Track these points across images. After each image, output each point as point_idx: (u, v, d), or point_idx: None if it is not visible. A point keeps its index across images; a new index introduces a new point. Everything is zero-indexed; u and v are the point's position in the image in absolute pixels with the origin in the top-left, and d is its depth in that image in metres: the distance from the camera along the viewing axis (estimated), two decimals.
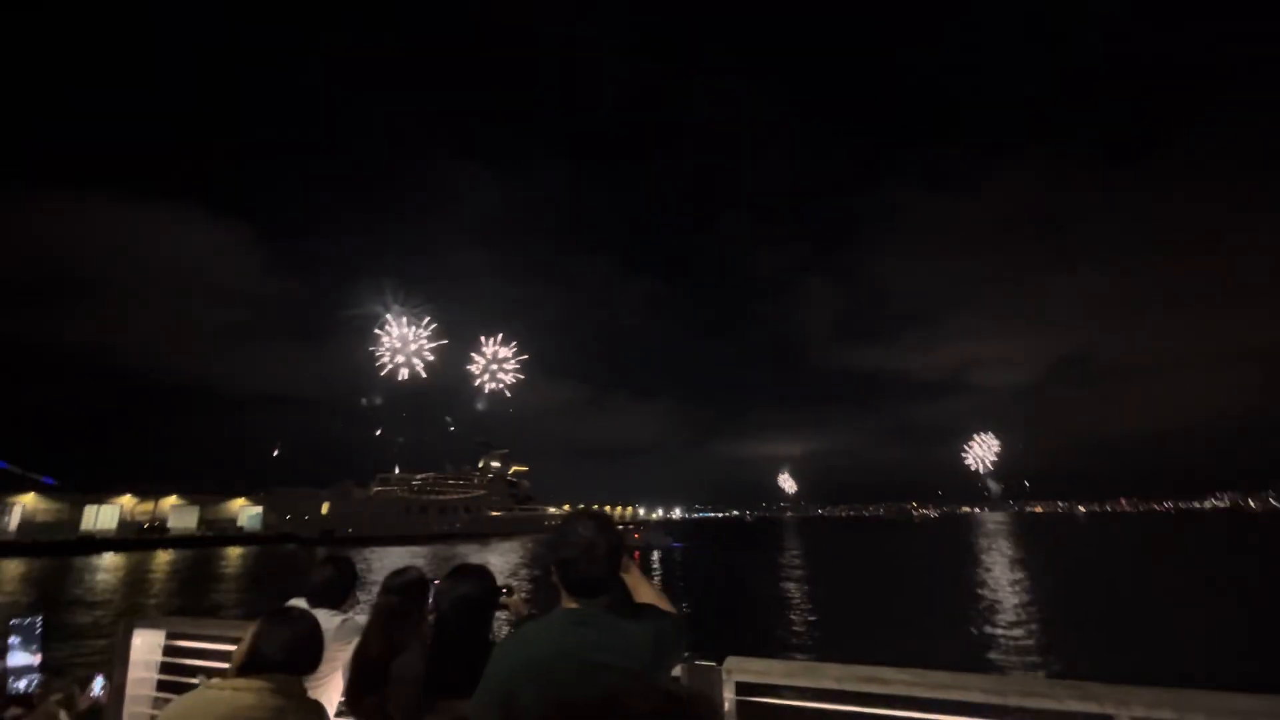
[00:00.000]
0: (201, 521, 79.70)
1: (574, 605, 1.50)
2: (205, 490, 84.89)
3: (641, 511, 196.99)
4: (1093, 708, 1.74)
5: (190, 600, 25.70)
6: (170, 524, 75.14)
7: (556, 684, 1.32)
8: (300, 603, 2.51)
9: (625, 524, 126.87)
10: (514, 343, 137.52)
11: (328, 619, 2.40)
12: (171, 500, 79.42)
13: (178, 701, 1.79)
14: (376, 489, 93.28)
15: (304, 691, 1.87)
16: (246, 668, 1.82)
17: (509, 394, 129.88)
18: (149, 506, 76.95)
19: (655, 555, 49.61)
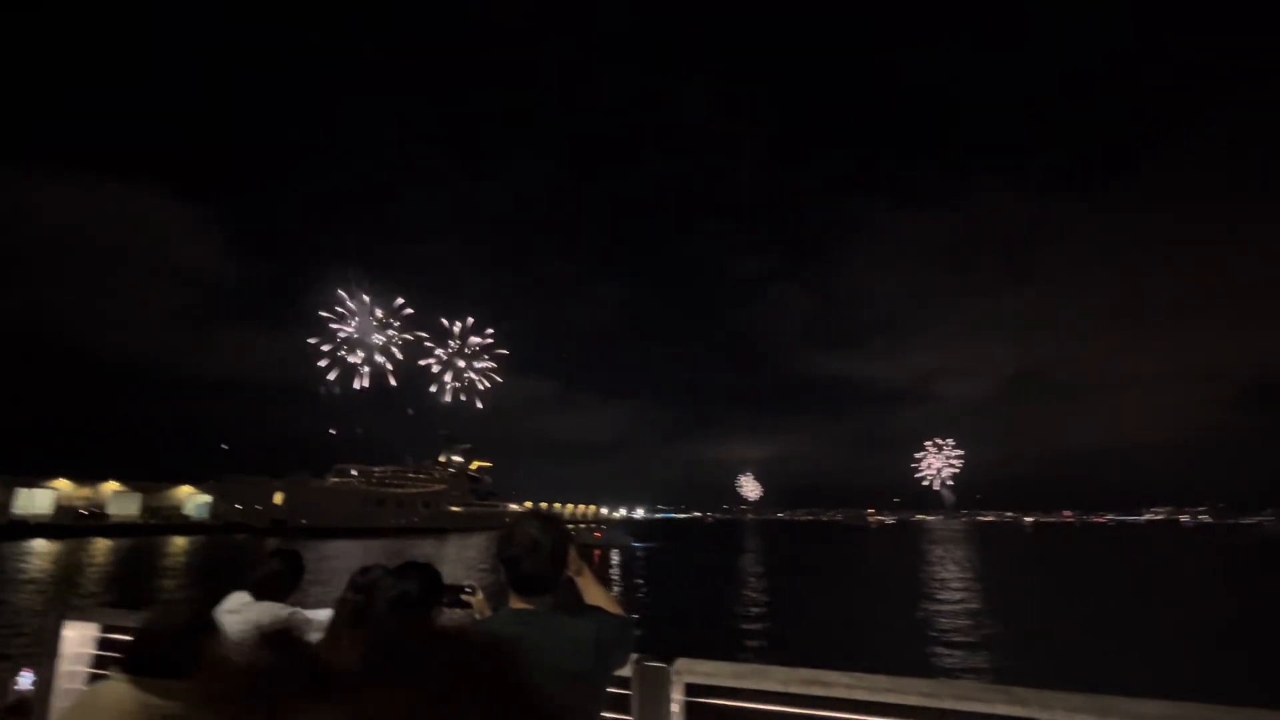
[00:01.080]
0: (145, 509, 76.46)
1: (520, 605, 1.51)
2: (150, 476, 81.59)
3: (604, 510, 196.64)
4: (1019, 711, 1.84)
5: (128, 591, 24.64)
6: (111, 511, 71.87)
7: None
8: (244, 595, 2.45)
9: (587, 523, 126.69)
10: (489, 330, 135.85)
11: (273, 612, 2.36)
12: (112, 486, 75.97)
13: (84, 691, 1.71)
14: (333, 480, 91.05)
15: (181, 693, 1.63)
16: (124, 664, 1.69)
17: (480, 404, 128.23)
18: (87, 492, 73.46)
19: (615, 555, 49.65)
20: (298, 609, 2.46)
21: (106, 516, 68.67)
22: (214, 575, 30.28)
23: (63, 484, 71.01)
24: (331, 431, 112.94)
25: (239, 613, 2.36)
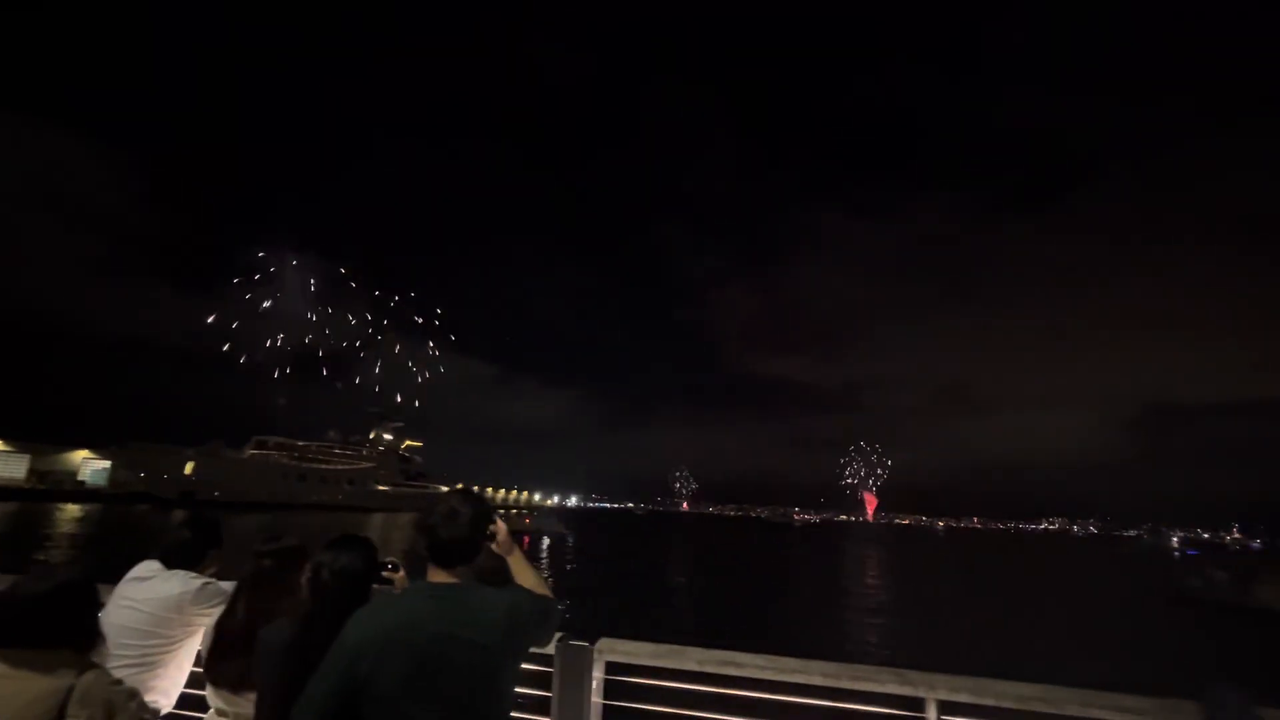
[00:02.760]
0: (32, 472, 70.17)
1: (439, 577, 1.53)
2: (43, 437, 74.95)
3: (537, 497, 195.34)
4: (908, 690, 2.08)
5: (4, 563, 22.65)
6: None
7: (402, 654, 1.36)
8: (154, 563, 2.36)
9: (519, 509, 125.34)
10: (437, 310, 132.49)
11: (185, 580, 2.27)
12: None
13: None
14: (252, 452, 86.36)
15: (54, 664, 1.59)
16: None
17: (419, 381, 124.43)
18: None
19: (545, 541, 49.56)
20: (211, 579, 2.38)
21: None
22: (104, 546, 28.20)
23: None
24: (281, 401, 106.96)
25: (148, 580, 2.26)
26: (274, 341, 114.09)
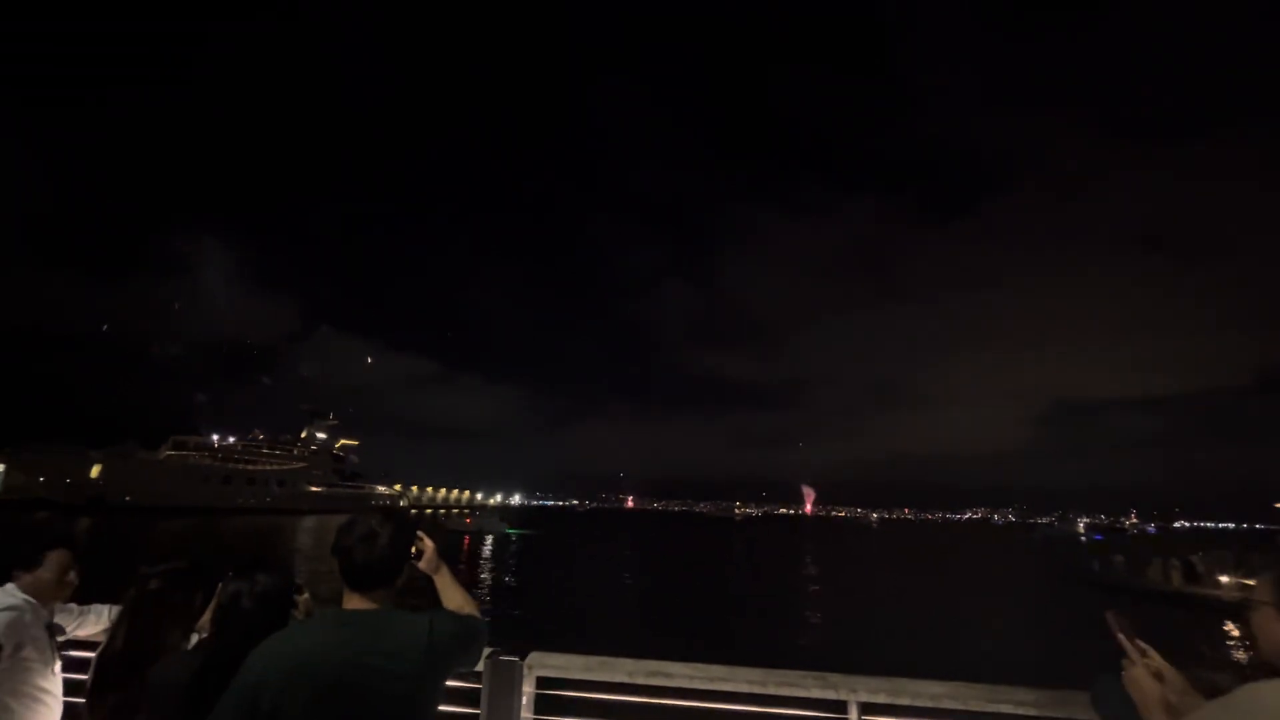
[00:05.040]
0: None
1: (356, 603, 1.43)
2: None
3: (480, 496, 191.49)
4: (830, 694, 2.17)
5: None
6: None
7: (308, 688, 1.26)
8: None
9: (460, 508, 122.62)
10: (377, 305, 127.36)
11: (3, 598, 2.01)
12: None
13: None
14: (169, 453, 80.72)
15: None
16: None
17: (356, 386, 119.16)
18: None
19: (489, 541, 48.78)
20: (24, 599, 2.03)
21: None
22: None
23: None
24: (201, 398, 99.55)
25: None
26: (194, 335, 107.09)
